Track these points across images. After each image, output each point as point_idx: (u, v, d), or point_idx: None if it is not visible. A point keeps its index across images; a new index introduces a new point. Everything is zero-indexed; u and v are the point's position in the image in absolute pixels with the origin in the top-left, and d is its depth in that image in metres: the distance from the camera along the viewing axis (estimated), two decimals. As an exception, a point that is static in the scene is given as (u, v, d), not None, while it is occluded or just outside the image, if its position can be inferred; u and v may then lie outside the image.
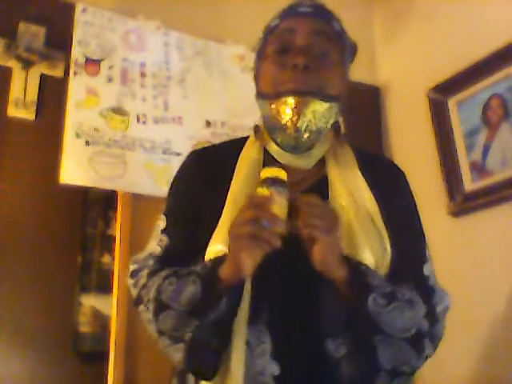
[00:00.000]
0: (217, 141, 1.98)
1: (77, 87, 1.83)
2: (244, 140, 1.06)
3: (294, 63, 0.93)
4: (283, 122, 0.94)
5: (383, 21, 2.67)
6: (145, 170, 1.86)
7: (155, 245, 1.02)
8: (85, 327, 1.68)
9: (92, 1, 1.95)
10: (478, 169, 2.06)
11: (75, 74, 1.84)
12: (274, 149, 1.01)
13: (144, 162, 1.87)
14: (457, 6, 2.24)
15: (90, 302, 1.71)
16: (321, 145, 1.00)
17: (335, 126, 1.03)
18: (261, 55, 1.02)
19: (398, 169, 1.09)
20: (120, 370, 1.62)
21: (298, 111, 0.93)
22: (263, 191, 0.82)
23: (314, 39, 0.96)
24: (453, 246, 2.09)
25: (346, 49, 1.02)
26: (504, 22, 2.03)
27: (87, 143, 1.78)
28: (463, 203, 2.09)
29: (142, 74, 1.97)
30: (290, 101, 0.93)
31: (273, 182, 0.82)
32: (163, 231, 1.02)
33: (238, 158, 1.01)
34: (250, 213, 0.78)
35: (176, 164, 1.92)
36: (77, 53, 1.86)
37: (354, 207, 0.93)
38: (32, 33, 1.84)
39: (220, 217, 0.92)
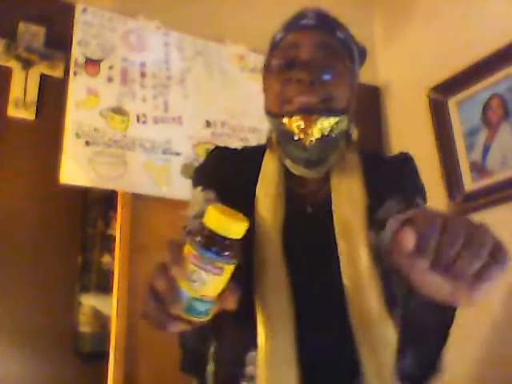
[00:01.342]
0: (217, 141, 2.01)
1: (77, 87, 1.83)
2: (262, 149, 1.07)
3: (299, 79, 0.93)
4: (293, 140, 0.95)
5: (383, 21, 2.67)
6: (145, 169, 1.86)
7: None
8: (85, 327, 1.68)
9: (92, 1, 1.95)
10: (478, 169, 2.06)
11: (75, 74, 1.84)
12: (287, 161, 1.02)
13: (144, 162, 1.87)
14: (457, 6, 2.24)
15: (90, 301, 1.71)
16: (333, 154, 1.01)
17: (346, 135, 1.04)
18: (267, 69, 1.03)
19: (401, 160, 1.07)
20: (120, 370, 1.62)
21: (306, 131, 0.93)
22: (187, 248, 0.57)
23: (318, 53, 0.96)
24: (453, 246, 2.09)
25: (353, 56, 1.02)
26: (504, 22, 2.03)
27: (87, 143, 1.78)
28: (463, 203, 2.09)
29: (142, 74, 1.97)
30: (297, 121, 0.93)
31: (205, 241, 0.56)
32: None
33: (258, 167, 1.03)
34: (152, 280, 0.62)
35: (176, 164, 1.94)
36: (77, 53, 1.86)
37: (349, 225, 0.95)
38: (32, 33, 1.84)
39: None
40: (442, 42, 2.30)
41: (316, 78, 0.93)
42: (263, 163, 1.04)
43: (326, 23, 1.00)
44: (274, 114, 0.98)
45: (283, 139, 0.99)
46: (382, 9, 2.68)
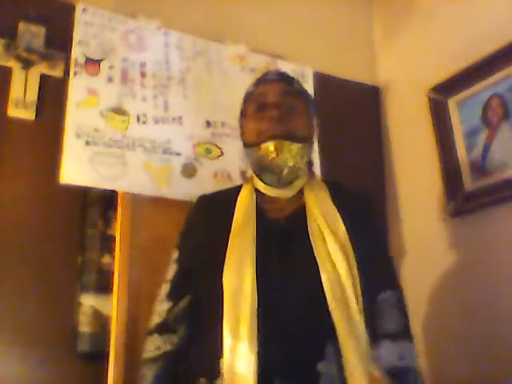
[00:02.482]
0: (217, 141, 2.02)
1: (77, 87, 1.83)
2: (239, 187, 1.32)
3: (269, 116, 1.21)
4: (267, 161, 1.20)
5: (383, 21, 2.67)
6: (145, 170, 1.86)
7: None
8: (85, 327, 1.68)
9: (92, 1, 1.95)
10: (478, 169, 2.06)
11: (75, 74, 1.84)
12: (262, 186, 1.27)
13: (144, 162, 1.86)
14: (457, 5, 2.24)
15: (89, 301, 1.71)
16: (299, 178, 1.26)
17: (309, 164, 1.30)
18: (243, 114, 1.32)
19: (363, 197, 1.32)
20: (120, 370, 1.61)
21: (277, 152, 1.19)
22: None
23: (281, 97, 1.24)
24: (453, 246, 2.09)
25: (309, 103, 1.31)
26: (504, 22, 2.03)
27: (87, 143, 1.78)
28: (463, 203, 2.09)
29: (142, 74, 1.97)
30: (271, 145, 1.19)
31: None
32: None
33: (235, 202, 1.26)
34: None
35: (176, 164, 1.94)
36: (77, 53, 1.86)
37: (327, 229, 1.15)
38: (32, 33, 1.84)
39: (224, 250, 1.16)
40: (441, 41, 2.30)
41: (282, 114, 1.20)
42: (239, 195, 1.27)
43: (285, 77, 1.32)
44: (252, 144, 1.23)
45: (259, 163, 1.23)
46: (382, 9, 2.67)
